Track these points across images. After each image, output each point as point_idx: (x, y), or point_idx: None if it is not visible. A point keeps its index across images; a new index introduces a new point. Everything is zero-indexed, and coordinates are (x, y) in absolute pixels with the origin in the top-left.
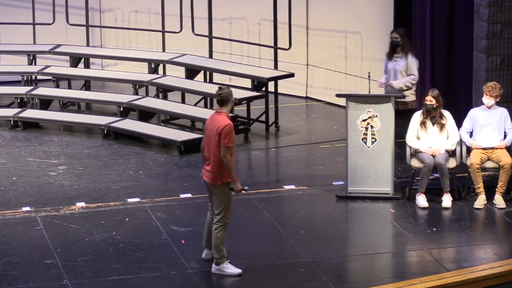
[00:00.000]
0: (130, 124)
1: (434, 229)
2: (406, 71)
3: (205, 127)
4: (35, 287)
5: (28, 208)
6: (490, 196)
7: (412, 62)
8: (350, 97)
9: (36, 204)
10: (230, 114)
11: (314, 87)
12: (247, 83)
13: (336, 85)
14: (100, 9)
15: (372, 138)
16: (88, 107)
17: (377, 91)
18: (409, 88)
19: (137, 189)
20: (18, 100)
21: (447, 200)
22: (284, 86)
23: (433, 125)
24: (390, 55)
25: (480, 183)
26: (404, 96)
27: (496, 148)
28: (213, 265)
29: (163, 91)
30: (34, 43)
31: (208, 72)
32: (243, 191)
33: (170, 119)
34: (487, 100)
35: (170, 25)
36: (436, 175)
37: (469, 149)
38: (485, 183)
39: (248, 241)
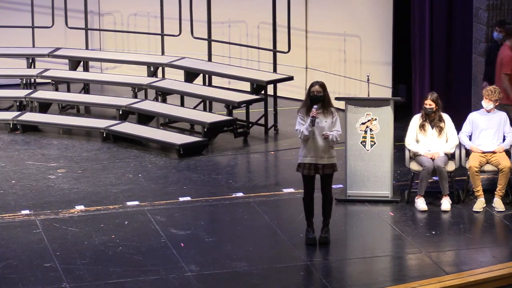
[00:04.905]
0: (129, 127)
1: (433, 232)
2: (331, 127)
3: None
4: None
5: (27, 212)
6: (489, 199)
7: (338, 117)
8: (349, 100)
9: (35, 207)
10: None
11: None
12: (246, 86)
13: (335, 88)
14: (99, 12)
15: (371, 141)
16: (87, 110)
17: (377, 94)
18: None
19: (136, 192)
20: (17, 103)
21: (446, 203)
22: (283, 89)
23: (432, 128)
24: (308, 110)
25: (479, 186)
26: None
27: (495, 152)
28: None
29: (162, 94)
30: (33, 46)
31: (207, 75)
32: None
33: (169, 122)
34: (486, 104)
35: (169, 28)
36: (435, 178)
37: (468, 152)
38: (484, 186)
39: (247, 244)
